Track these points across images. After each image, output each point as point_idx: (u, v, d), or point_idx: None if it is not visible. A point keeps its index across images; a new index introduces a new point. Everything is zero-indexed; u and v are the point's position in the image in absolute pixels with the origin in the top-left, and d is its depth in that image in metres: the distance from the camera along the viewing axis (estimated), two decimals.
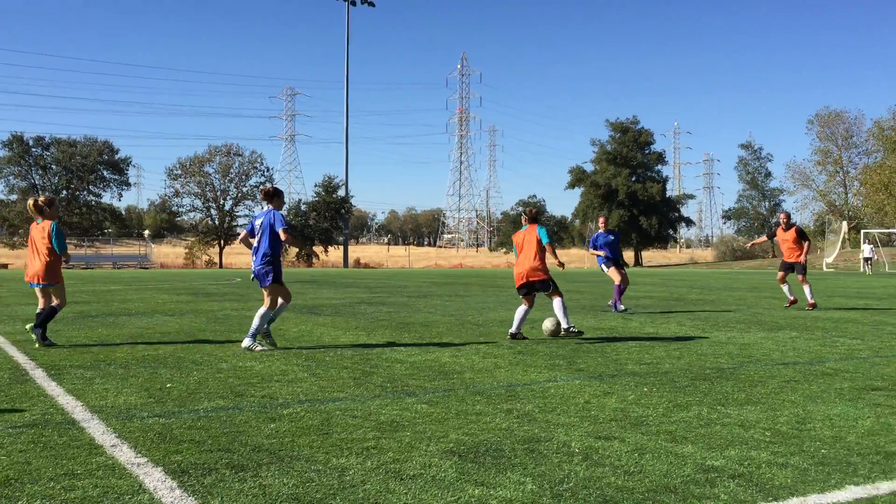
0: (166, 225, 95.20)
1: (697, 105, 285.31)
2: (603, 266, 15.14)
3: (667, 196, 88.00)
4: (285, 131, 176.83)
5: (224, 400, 5.98)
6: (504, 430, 4.98)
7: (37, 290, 9.48)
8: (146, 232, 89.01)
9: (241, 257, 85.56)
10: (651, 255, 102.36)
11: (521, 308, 10.09)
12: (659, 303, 17.65)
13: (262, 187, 10.43)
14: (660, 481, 3.93)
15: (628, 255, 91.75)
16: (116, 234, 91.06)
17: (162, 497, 3.69)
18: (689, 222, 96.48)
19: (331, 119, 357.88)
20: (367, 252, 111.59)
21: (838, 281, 33.44)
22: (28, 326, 9.39)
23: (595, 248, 15.20)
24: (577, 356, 8.46)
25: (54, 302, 9.45)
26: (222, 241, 77.97)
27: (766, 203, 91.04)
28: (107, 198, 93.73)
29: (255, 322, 8.90)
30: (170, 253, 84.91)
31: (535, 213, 10.60)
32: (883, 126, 79.99)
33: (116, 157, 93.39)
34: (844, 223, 70.88)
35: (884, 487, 3.84)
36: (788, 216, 16.26)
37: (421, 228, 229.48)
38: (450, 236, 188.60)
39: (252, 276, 9.04)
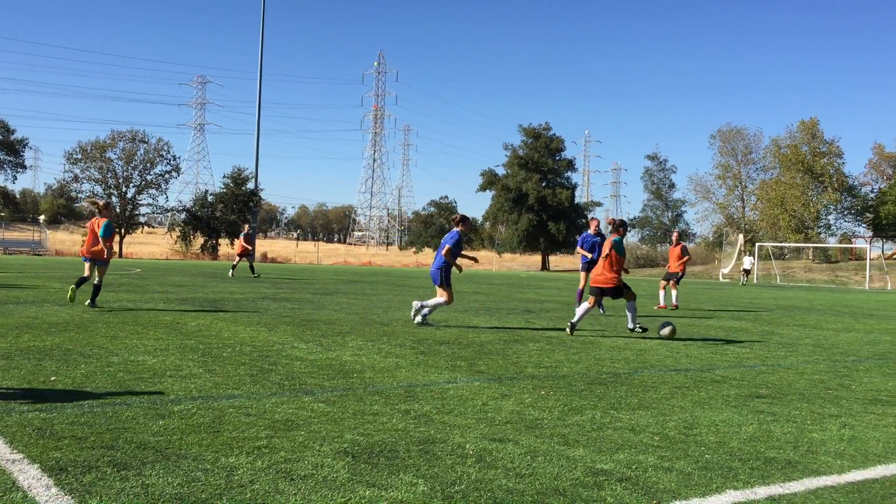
0: (63, 211, 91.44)
1: (608, 115, 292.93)
2: (583, 266, 16.08)
3: (575, 202, 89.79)
4: (194, 120, 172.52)
5: (112, 395, 5.76)
6: (400, 431, 4.95)
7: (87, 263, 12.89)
8: (42, 217, 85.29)
9: (143, 247, 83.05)
10: (558, 260, 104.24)
11: (584, 305, 11.18)
12: (563, 307, 17.97)
13: (453, 217, 12.43)
14: (550, 484, 3.98)
15: (535, 259, 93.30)
16: (9, 218, 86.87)
17: (36, 495, 3.51)
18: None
19: (243, 110, 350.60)
20: (275, 247, 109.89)
21: (733, 291, 34.82)
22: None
23: (583, 247, 16.02)
24: (478, 358, 8.52)
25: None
26: (123, 230, 75.40)
27: (669, 213, 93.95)
28: (0, 180, 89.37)
29: (427, 308, 11.59)
30: (66, 240, 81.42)
31: (616, 224, 11.52)
32: (780, 144, 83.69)
33: (12, 137, 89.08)
34: (741, 236, 73.89)
35: (761, 492, 4.00)
36: (679, 235, 19.41)
37: (331, 225, 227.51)
38: (360, 234, 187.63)
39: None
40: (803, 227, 79.57)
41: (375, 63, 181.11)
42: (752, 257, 47.90)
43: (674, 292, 18.54)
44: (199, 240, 78.41)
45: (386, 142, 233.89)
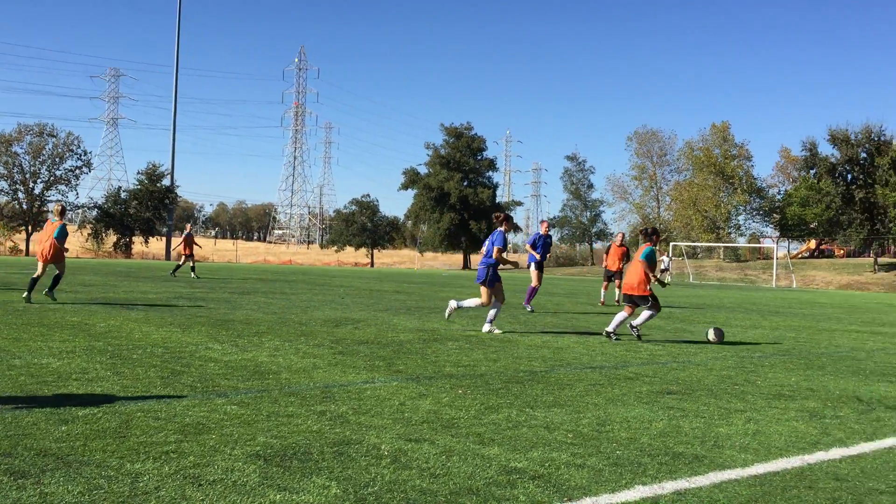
0: None
1: (529, 115, 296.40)
2: (532, 265, 16.95)
3: (497, 202, 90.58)
4: (107, 114, 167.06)
5: (12, 400, 5.51)
6: (315, 433, 4.89)
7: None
8: None
9: None
10: (479, 259, 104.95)
11: (621, 313, 11.39)
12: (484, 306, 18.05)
13: (496, 214, 12.39)
14: (464, 483, 3.99)
15: (457, 258, 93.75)
16: None
17: None
18: (516, 228, 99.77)
19: (158, 104, 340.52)
20: None
21: None
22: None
23: (534, 246, 16.92)
24: (397, 357, 8.49)
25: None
26: (30, 227, 72.49)
27: (588, 213, 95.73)
28: None
29: (466, 302, 11.92)
30: None
31: (647, 232, 11.60)
32: (693, 147, 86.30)
33: None
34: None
35: (668, 487, 4.09)
36: (623, 236, 20.61)
37: (251, 223, 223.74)
38: (281, 232, 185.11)
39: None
40: (715, 228, 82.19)
41: (296, 59, 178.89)
42: (667, 256, 48.92)
43: (617, 290, 19.79)
44: (112, 238, 76.01)
45: (307, 139, 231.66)
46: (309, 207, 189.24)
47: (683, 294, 31.50)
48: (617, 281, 19.70)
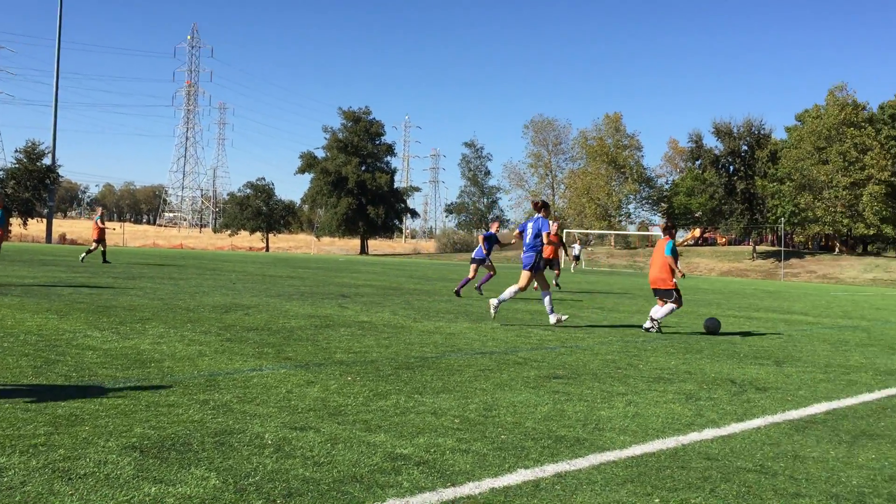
0: None
1: (428, 101, 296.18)
2: (477, 258, 17.95)
3: (395, 187, 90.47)
4: None
5: None
6: (196, 423, 4.76)
7: None
8: None
9: None
10: (377, 245, 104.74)
11: (670, 306, 11.71)
12: (378, 291, 18.05)
13: (533, 199, 13.14)
14: (348, 471, 3.97)
15: (354, 243, 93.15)
16: None
17: None
18: (414, 214, 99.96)
19: (39, 79, 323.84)
20: (75, 227, 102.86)
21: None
22: None
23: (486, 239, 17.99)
24: (287, 344, 8.37)
25: None
26: None
27: (485, 199, 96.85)
28: None
29: (506, 294, 11.75)
30: None
31: (667, 226, 12.31)
32: (587, 136, 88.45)
33: None
34: (551, 222, 77.38)
35: (549, 469, 4.18)
36: (558, 226, 21.87)
37: (140, 205, 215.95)
38: (172, 215, 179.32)
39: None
40: (607, 215, 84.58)
41: (189, 37, 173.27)
42: (578, 244, 49.35)
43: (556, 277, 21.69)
44: None
45: (200, 120, 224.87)
46: (202, 190, 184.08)
47: (574, 280, 32.30)
48: (557, 270, 21.46)
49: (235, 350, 7.77)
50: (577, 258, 47.20)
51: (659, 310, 11.70)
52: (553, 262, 20.76)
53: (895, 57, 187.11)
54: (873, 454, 4.86)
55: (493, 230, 18.46)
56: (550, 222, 12.73)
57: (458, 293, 17.30)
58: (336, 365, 7.19)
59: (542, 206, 12.28)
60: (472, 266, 18.04)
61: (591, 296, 20.75)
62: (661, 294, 11.77)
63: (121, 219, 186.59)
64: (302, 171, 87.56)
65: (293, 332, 9.50)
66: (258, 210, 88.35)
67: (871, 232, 65.06)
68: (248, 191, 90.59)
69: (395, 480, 3.86)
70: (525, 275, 11.88)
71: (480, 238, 17.99)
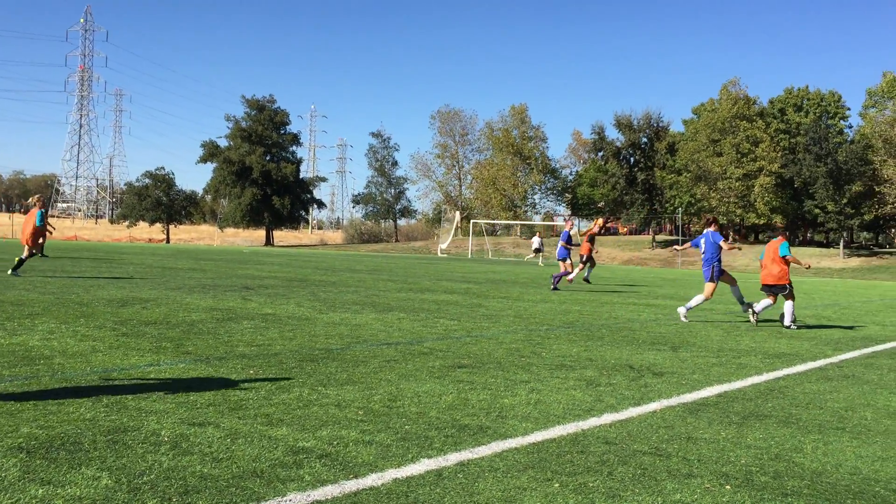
0: None
1: (335, 90, 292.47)
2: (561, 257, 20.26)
3: (301, 177, 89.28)
4: None
5: None
6: (87, 421, 4.57)
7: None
8: None
9: None
10: (283, 235, 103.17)
11: (765, 301, 12.72)
12: (283, 283, 17.79)
13: (706, 216, 12.97)
14: (248, 466, 3.89)
15: (259, 234, 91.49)
16: None
17: None
18: (321, 204, 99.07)
19: None
20: None
21: (450, 265, 36.66)
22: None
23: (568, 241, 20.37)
24: (186, 338, 8.15)
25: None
26: None
27: (392, 190, 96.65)
28: None
29: (693, 302, 12.99)
30: None
31: (783, 228, 14.51)
32: (493, 127, 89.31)
33: None
34: (458, 213, 77.95)
35: (452, 458, 4.21)
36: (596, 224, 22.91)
37: (30, 195, 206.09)
38: (65, 206, 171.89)
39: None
40: (513, 206, 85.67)
41: (81, 20, 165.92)
42: (539, 237, 48.34)
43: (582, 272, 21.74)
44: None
45: (95, 106, 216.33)
46: (97, 179, 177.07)
47: (482, 270, 32.63)
48: (590, 264, 21.92)
49: (132, 345, 7.52)
50: (538, 251, 46.28)
51: (764, 302, 12.77)
52: (590, 259, 22.08)
53: (784, 54, 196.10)
54: (761, 434, 5.09)
55: (567, 229, 20.81)
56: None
57: (555, 287, 19.40)
58: (238, 358, 7.05)
59: (712, 222, 13.54)
60: (564, 263, 20.05)
61: (496, 285, 21.00)
62: (776, 290, 12.72)
63: (9, 209, 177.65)
64: (204, 160, 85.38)
65: (193, 325, 9.26)
66: (158, 200, 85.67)
67: (762, 221, 68.18)
68: (147, 180, 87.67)
69: (296, 474, 3.81)
70: (709, 286, 13.07)
71: (563, 242, 20.45)
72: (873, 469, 4.39)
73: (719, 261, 13.18)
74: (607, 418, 5.32)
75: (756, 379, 7.28)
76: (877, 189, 62.85)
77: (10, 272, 16.39)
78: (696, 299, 12.99)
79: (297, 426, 4.71)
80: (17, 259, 16.72)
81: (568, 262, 20.41)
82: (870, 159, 62.59)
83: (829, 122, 72.46)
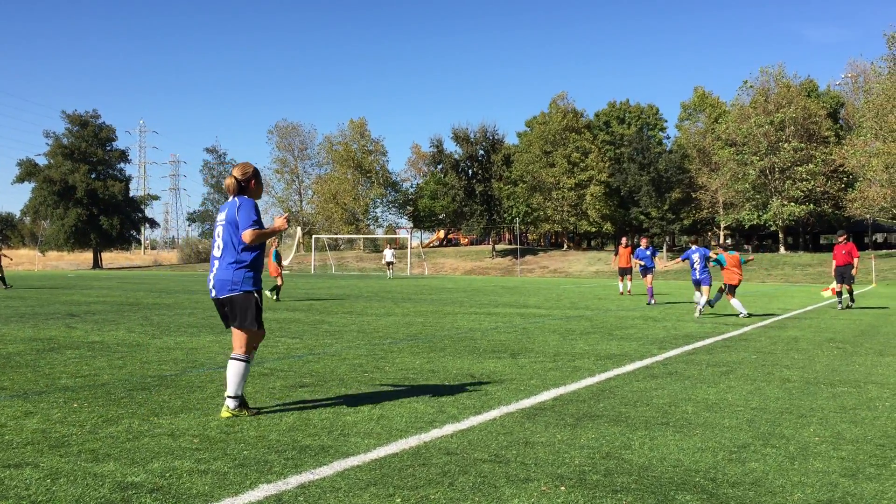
0: None
1: (165, 105, 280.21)
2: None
3: (130, 196, 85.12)
4: None
5: None
6: None
7: None
8: None
9: None
10: (113, 258, 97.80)
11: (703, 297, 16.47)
12: (112, 308, 16.85)
13: (691, 238, 16.70)
14: None
15: (86, 257, 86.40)
16: None
17: None
18: (153, 223, 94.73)
19: None
20: None
21: (292, 282, 36.01)
22: None
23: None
24: (1, 372, 7.54)
25: None
26: None
27: None
28: None
29: (702, 302, 16.39)
30: None
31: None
32: (332, 141, 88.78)
33: None
34: (299, 228, 76.88)
35: (293, 481, 4.12)
36: (626, 240, 24.69)
37: None
38: None
39: None
40: (355, 220, 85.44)
41: None
42: (391, 249, 47.83)
43: (629, 283, 24.77)
44: None
45: None
46: None
47: (325, 285, 32.30)
48: (629, 276, 24.29)
49: None
50: (390, 264, 46.25)
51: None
52: (627, 271, 24.11)
53: (607, 69, 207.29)
54: (593, 434, 5.31)
55: (643, 247, 22.12)
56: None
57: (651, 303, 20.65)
58: (60, 392, 6.60)
59: (696, 241, 17.29)
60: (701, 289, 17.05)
61: (339, 300, 20.84)
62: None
63: None
64: (21, 179, 79.64)
65: (10, 358, 8.59)
66: None
67: (594, 229, 71.65)
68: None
69: None
70: (707, 289, 16.43)
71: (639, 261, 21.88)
72: (694, 460, 4.69)
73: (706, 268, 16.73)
74: (449, 429, 5.39)
75: (589, 381, 7.61)
76: (693, 195, 67.64)
77: None
78: (703, 300, 16.28)
79: (126, 460, 4.46)
80: None
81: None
82: (686, 168, 67.27)
83: (650, 134, 77.29)
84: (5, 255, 27.22)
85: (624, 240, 25.39)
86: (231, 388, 5.64)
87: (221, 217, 5.82)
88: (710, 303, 16.57)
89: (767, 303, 22.11)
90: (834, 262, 19.90)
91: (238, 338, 5.77)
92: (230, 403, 5.65)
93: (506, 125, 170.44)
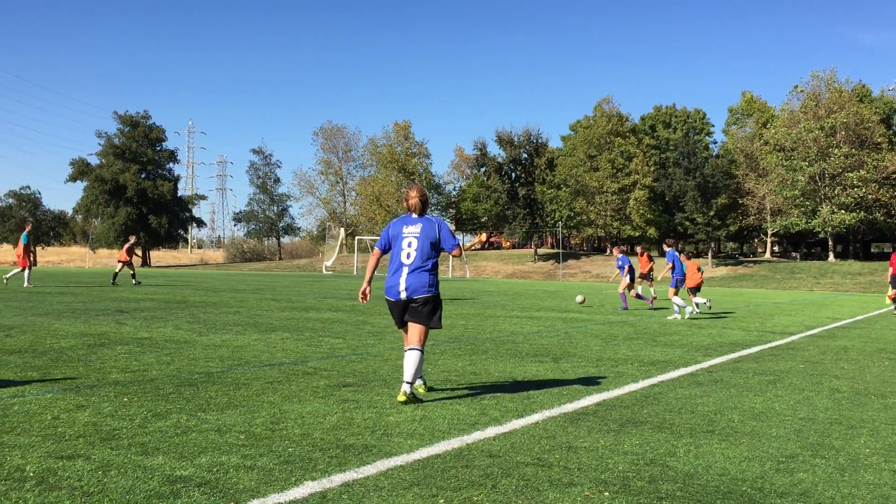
0: None
1: (213, 106, 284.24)
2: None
3: (178, 195, 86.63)
4: None
5: None
6: None
7: None
8: None
9: None
10: (161, 256, 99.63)
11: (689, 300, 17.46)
12: (160, 305, 17.17)
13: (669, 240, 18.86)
14: (121, 499, 3.72)
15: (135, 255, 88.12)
16: None
17: None
18: (200, 223, 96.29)
19: None
20: None
21: (335, 283, 36.32)
22: None
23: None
24: (54, 366, 7.73)
25: None
26: None
27: (275, 207, 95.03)
28: None
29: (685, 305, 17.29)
30: None
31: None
32: (376, 143, 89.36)
33: None
34: (342, 229, 77.41)
35: (337, 479, 4.16)
36: (643, 248, 26.67)
37: None
38: None
39: None
40: None
41: None
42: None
43: (651, 289, 22.98)
44: None
45: None
46: None
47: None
48: (649, 281, 23.63)
49: None
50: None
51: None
52: (647, 277, 24.02)
53: (654, 73, 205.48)
54: (637, 440, 5.27)
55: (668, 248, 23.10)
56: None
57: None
58: (111, 386, 6.74)
59: (672, 245, 18.13)
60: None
61: (381, 302, 20.95)
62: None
63: None
64: (73, 178, 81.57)
65: (62, 352, 8.80)
66: (22, 220, 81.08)
67: (638, 233, 70.97)
68: (10, 200, 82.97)
69: None
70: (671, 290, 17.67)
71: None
72: (740, 469, 4.63)
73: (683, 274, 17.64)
74: (491, 431, 5.39)
75: (633, 386, 7.55)
76: (740, 201, 66.62)
77: None
78: (682, 302, 17.08)
79: (175, 454, 4.55)
80: None
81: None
82: (733, 173, 66.29)
83: (696, 138, 76.35)
84: (136, 255, 28.97)
85: (640, 248, 25.63)
86: (409, 375, 6.38)
87: (413, 230, 6.80)
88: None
89: (816, 311, 21.70)
90: (890, 269, 19.54)
91: (419, 332, 6.58)
92: (407, 388, 6.32)
93: (550, 128, 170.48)
